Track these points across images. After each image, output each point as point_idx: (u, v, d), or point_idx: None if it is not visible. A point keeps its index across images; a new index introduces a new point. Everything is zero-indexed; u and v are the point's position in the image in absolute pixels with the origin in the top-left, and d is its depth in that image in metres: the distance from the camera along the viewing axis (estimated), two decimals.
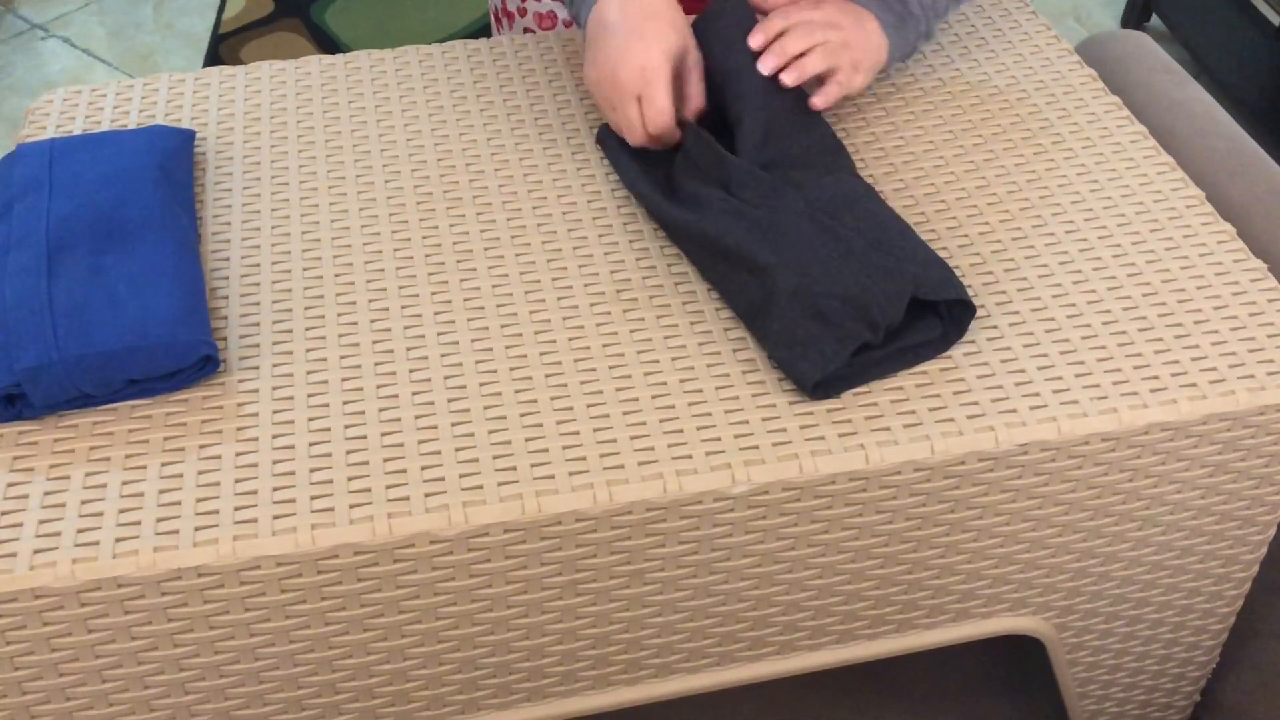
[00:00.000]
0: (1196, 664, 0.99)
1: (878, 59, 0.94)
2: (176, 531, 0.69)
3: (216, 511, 0.70)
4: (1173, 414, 0.77)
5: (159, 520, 0.70)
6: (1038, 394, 0.77)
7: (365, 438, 0.74)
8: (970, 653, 1.12)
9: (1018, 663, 1.14)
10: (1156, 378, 0.78)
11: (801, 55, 0.90)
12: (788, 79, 0.90)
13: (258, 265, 0.86)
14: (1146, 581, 0.89)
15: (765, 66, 0.90)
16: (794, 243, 0.81)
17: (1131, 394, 0.77)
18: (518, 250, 0.87)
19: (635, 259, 0.86)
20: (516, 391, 0.77)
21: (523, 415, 0.75)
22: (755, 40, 0.90)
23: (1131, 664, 0.97)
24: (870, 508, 0.77)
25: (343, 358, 0.79)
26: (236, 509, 0.70)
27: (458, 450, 0.73)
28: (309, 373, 0.78)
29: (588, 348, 0.80)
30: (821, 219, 0.83)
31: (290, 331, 0.81)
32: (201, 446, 0.74)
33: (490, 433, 0.74)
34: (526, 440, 0.74)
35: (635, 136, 0.90)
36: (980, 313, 0.82)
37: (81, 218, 0.83)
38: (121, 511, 0.70)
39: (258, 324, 0.82)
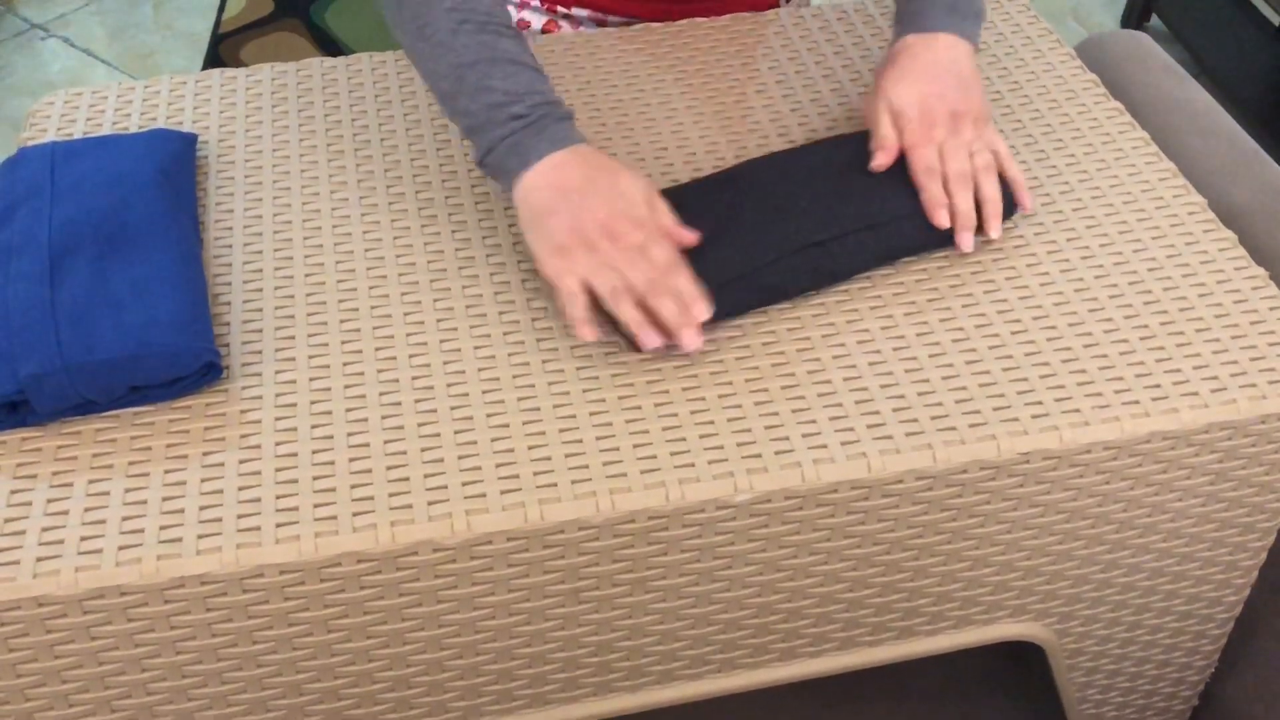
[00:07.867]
0: (1196, 667, 0.99)
1: (982, 96, 0.90)
2: (179, 539, 0.69)
3: (219, 519, 0.70)
4: (1174, 423, 0.77)
5: (162, 528, 0.70)
6: (1040, 402, 0.77)
7: (368, 445, 0.74)
8: (970, 655, 1.11)
9: (1017, 664, 1.14)
10: (1158, 386, 0.78)
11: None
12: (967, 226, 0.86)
13: (260, 270, 0.86)
14: (1147, 588, 0.89)
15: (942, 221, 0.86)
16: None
17: (1133, 403, 0.77)
18: (519, 256, 0.87)
19: None
20: (519, 399, 0.77)
21: (525, 423, 0.75)
22: (939, 217, 0.85)
23: (1131, 668, 0.97)
24: (872, 516, 0.77)
25: (345, 364, 0.79)
26: (239, 516, 0.70)
27: (460, 458, 0.73)
28: (312, 379, 0.78)
29: (589, 355, 0.80)
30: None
31: (293, 338, 0.81)
32: (204, 454, 0.74)
33: (493, 440, 0.74)
34: (529, 448, 0.74)
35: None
36: (981, 320, 0.82)
37: (84, 222, 0.83)
38: (124, 519, 0.70)
39: (260, 330, 0.82)
